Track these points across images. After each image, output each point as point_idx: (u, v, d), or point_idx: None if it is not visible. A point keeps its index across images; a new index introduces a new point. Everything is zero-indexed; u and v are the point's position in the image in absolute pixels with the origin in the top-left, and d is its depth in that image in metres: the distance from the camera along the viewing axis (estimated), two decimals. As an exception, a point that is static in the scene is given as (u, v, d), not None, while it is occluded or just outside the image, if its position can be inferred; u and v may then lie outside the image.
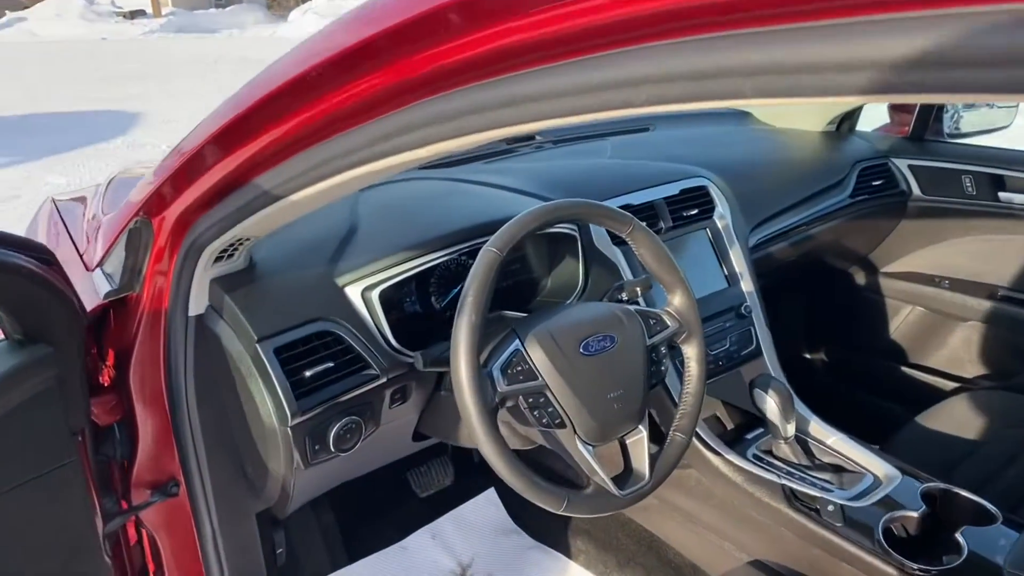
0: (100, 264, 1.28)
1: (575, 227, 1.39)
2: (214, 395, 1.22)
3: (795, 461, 1.41)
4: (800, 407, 1.51)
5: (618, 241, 1.44)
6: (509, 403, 1.02)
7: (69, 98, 8.89)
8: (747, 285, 1.60)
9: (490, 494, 1.95)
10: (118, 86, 9.76)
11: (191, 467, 1.23)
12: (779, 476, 1.35)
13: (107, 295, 1.18)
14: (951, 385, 2.03)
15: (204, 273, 1.11)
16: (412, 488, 1.84)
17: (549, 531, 1.81)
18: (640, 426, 1.11)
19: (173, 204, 1.05)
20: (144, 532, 1.31)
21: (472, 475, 1.93)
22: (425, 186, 1.48)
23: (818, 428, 1.49)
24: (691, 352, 1.18)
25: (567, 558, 1.76)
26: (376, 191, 1.42)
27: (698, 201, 1.60)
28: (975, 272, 1.98)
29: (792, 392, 1.43)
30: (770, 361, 1.60)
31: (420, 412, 1.31)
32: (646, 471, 1.10)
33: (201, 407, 1.20)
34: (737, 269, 1.60)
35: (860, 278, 2.20)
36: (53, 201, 1.85)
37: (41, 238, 1.66)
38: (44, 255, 0.99)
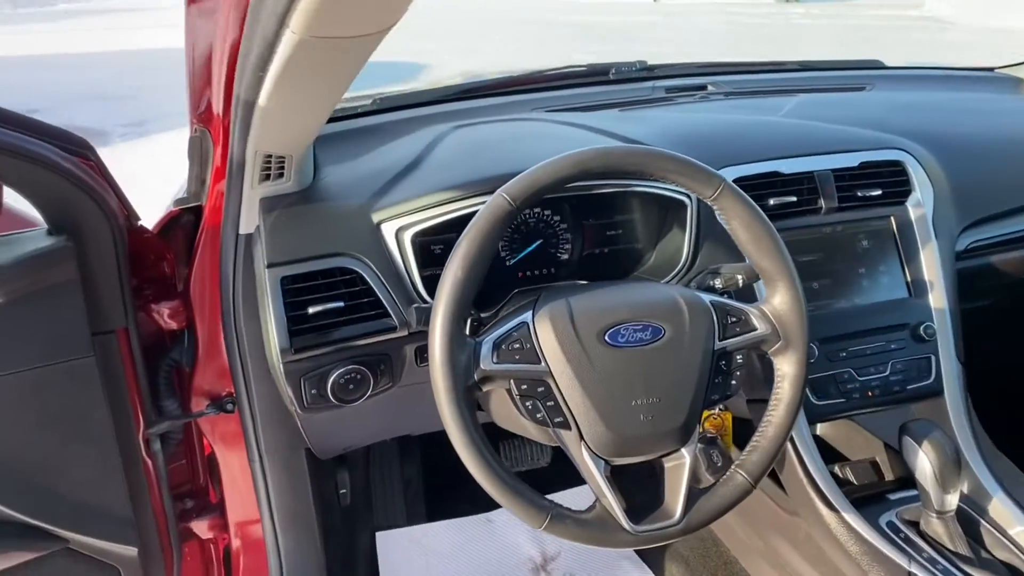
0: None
1: (684, 192, 1.12)
2: (259, 319, 1.18)
3: (947, 547, 1.03)
4: (981, 473, 1.10)
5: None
6: (494, 385, 0.83)
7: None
8: (938, 300, 1.19)
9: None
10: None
11: (240, 387, 1.20)
12: (909, 560, 0.98)
13: (175, 203, 1.19)
14: None
15: (252, 191, 1.05)
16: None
17: (648, 548, 1.56)
18: (684, 450, 0.85)
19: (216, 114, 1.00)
20: (206, 442, 1.34)
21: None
22: (518, 127, 1.29)
23: (1001, 508, 1.07)
24: (786, 368, 0.88)
25: (660, 581, 1.51)
26: (468, 130, 1.26)
27: (887, 179, 1.21)
28: None
29: (963, 451, 1.04)
30: (953, 406, 1.18)
31: None
32: (678, 509, 0.85)
33: (248, 328, 1.16)
34: (927, 276, 1.20)
35: None
36: None
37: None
38: (81, 148, 0.99)
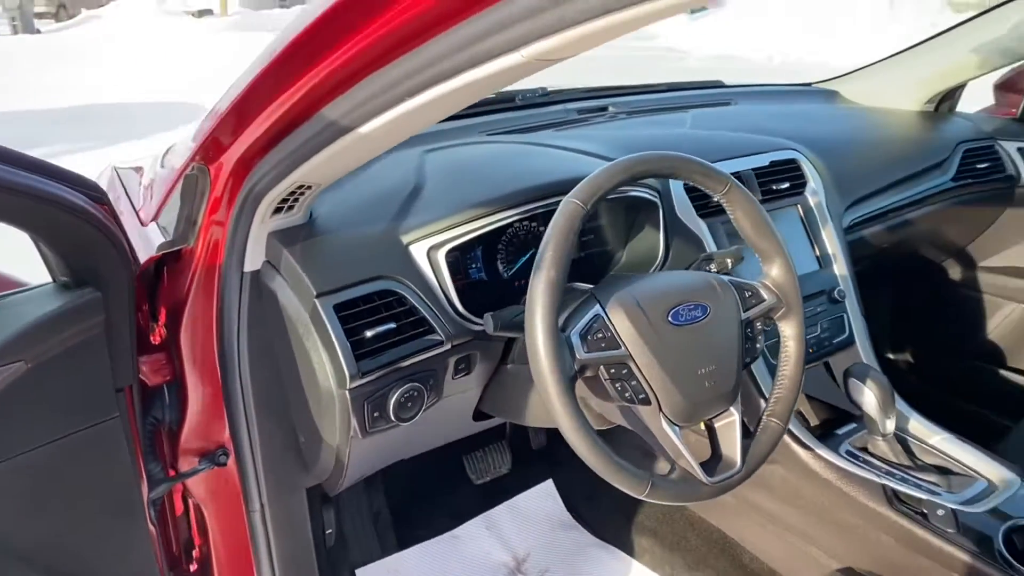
0: (155, 217, 1.22)
1: (656, 193, 1.28)
2: (268, 358, 1.15)
3: (895, 460, 1.27)
4: (899, 402, 1.37)
5: (703, 212, 1.32)
6: (588, 373, 0.92)
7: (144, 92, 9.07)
8: (840, 268, 1.46)
9: (547, 486, 1.84)
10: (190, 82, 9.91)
11: (241, 435, 1.16)
12: (879, 475, 1.21)
13: (160, 247, 1.12)
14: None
15: (262, 226, 1.04)
16: (467, 474, 1.75)
17: (611, 528, 1.69)
18: (732, 408, 0.99)
19: (231, 148, 0.98)
20: (191, 502, 1.25)
21: (530, 464, 1.83)
22: (495, 148, 1.39)
23: (919, 426, 1.34)
24: (789, 330, 1.06)
25: (631, 557, 1.64)
26: (444, 153, 1.33)
27: (789, 175, 1.47)
28: (1092, 267, 1.79)
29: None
30: (864, 351, 1.45)
31: (483, 388, 1.22)
32: (737, 458, 0.98)
33: (254, 370, 1.12)
34: (830, 250, 1.46)
35: (956, 272, 2.02)
36: (114, 169, 1.82)
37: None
38: (97, 193, 0.92)
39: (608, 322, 0.93)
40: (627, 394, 0.92)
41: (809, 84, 2.15)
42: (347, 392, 0.98)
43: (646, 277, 1.01)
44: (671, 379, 0.93)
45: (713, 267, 1.13)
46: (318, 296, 0.98)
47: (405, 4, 0.62)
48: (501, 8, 0.56)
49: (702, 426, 1.02)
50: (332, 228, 1.09)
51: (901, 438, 1.33)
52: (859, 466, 1.24)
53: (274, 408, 1.18)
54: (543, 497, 1.83)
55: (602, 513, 1.73)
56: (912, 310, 2.12)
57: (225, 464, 1.18)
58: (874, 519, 1.19)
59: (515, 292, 1.23)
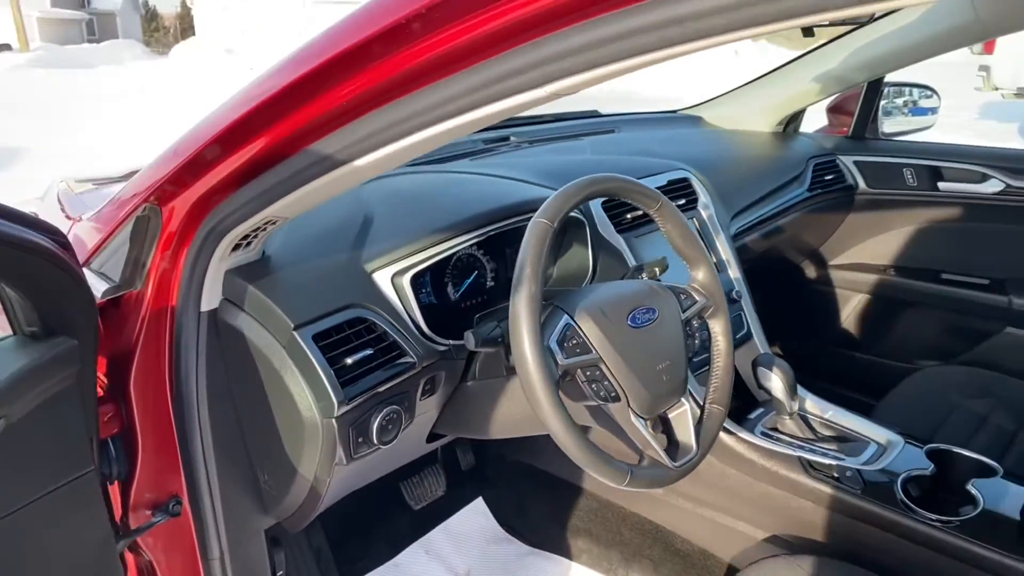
0: (87, 263, 1.17)
1: (582, 214, 1.39)
2: (225, 399, 1.13)
3: (801, 435, 1.45)
4: None
5: (619, 229, 1.45)
6: (567, 377, 1.00)
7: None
8: (734, 272, 1.65)
9: (478, 504, 1.89)
10: (-6, 121, 9.05)
11: (199, 481, 1.13)
12: (793, 449, 1.38)
13: (105, 293, 1.08)
14: (903, 367, 2.15)
15: (220, 264, 1.03)
16: (406, 500, 1.76)
17: (547, 535, 1.77)
18: (683, 399, 1.11)
19: (192, 187, 0.97)
20: (143, 559, 1.19)
21: (462, 485, 1.87)
22: (428, 178, 1.44)
23: (813, 404, 1.54)
24: (718, 327, 1.20)
25: (569, 560, 1.72)
26: (378, 183, 1.37)
27: (683, 192, 1.64)
28: (919, 259, 2.12)
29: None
30: (760, 343, 1.64)
31: (441, 408, 1.26)
32: (693, 443, 1.10)
33: (212, 413, 1.11)
34: (724, 256, 1.65)
35: (811, 271, 2.31)
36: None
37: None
38: (59, 237, 0.89)
39: (579, 329, 1.01)
40: (601, 393, 1.01)
41: (675, 111, 2.38)
42: (333, 420, 1.00)
43: (599, 287, 1.11)
44: (636, 376, 1.03)
45: (644, 275, 1.25)
46: (296, 328, 1.00)
47: (433, 41, 0.67)
48: (535, 48, 0.63)
49: (658, 419, 1.13)
50: (291, 261, 1.10)
51: (802, 415, 1.51)
52: (775, 443, 1.41)
53: (232, 450, 1.16)
54: (475, 515, 1.87)
55: (535, 523, 1.81)
56: (779, 307, 2.38)
57: (179, 514, 1.14)
58: (793, 487, 1.35)
59: (463, 313, 1.30)
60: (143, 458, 1.10)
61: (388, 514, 1.78)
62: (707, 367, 1.19)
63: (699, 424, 1.14)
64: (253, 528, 1.23)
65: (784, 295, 2.39)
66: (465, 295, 1.30)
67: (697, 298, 1.17)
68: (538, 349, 0.93)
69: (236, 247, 1.03)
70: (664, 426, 1.12)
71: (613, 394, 1.02)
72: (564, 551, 1.74)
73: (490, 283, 1.34)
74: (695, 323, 1.17)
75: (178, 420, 1.09)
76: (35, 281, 0.81)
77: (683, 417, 1.11)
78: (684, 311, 1.14)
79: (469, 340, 1.05)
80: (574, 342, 1.00)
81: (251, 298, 1.04)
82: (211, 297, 1.06)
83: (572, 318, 1.03)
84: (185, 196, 0.98)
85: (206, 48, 17.81)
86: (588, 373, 1.01)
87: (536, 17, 0.61)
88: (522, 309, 0.94)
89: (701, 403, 1.16)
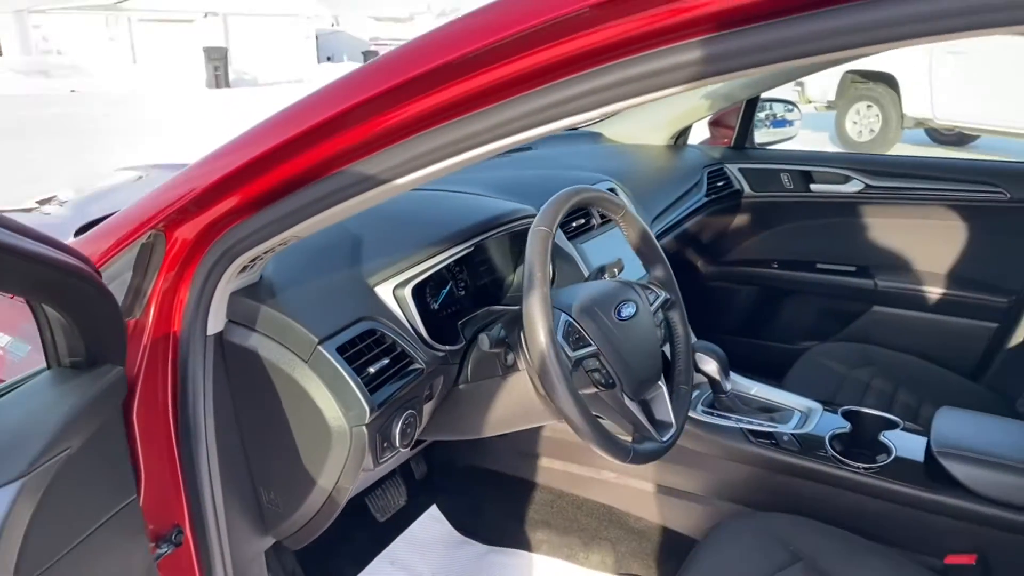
0: None
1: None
2: (230, 421, 1.14)
3: (736, 411, 1.64)
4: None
5: (572, 236, 1.59)
6: (575, 368, 1.11)
7: None
8: (663, 270, 1.83)
9: (433, 511, 1.95)
10: None
11: (205, 508, 1.12)
12: (734, 422, 1.56)
13: (106, 323, 1.06)
14: (792, 348, 2.43)
15: (226, 286, 1.05)
16: (372, 513, 1.79)
17: (505, 532, 1.86)
18: (660, 381, 1.25)
19: (204, 213, 0.99)
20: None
21: (417, 494, 1.92)
22: (398, 197, 1.50)
23: (739, 381, 1.74)
24: (676, 316, 1.35)
25: (529, 552, 1.82)
26: None
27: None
28: (798, 252, 2.42)
29: (723, 353, 1.66)
30: (691, 332, 1.83)
31: (431, 413, 1.33)
32: (672, 420, 1.24)
33: (219, 437, 1.11)
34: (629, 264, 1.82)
35: (707, 269, 2.56)
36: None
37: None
38: (91, 263, 0.88)
39: (578, 326, 1.13)
40: (601, 381, 1.13)
41: (576, 128, 2.56)
42: (364, 427, 1.04)
43: (580, 288, 1.23)
44: (629, 363, 1.15)
45: (607, 276, 1.39)
46: (321, 342, 1.04)
47: (506, 67, 0.76)
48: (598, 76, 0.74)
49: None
50: (293, 280, 1.13)
51: (734, 394, 1.71)
52: (717, 418, 1.59)
53: (234, 473, 1.17)
54: (432, 522, 1.93)
55: (492, 522, 1.89)
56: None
57: (181, 544, 1.13)
58: (737, 456, 1.53)
59: (444, 320, 1.37)
60: (146, 489, 1.08)
61: (349, 530, 1.80)
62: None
63: (673, 403, 1.28)
64: (255, 551, 1.23)
65: (685, 292, 2.62)
66: (443, 304, 1.38)
67: (659, 292, 1.32)
68: (554, 344, 1.03)
69: (243, 269, 1.05)
70: (644, 407, 1.25)
71: (610, 381, 1.14)
72: (524, 544, 1.83)
73: (460, 292, 1.43)
74: (659, 315, 1.32)
75: (184, 447, 1.09)
76: (83, 308, 0.82)
77: (661, 398, 1.25)
78: (652, 303, 1.29)
79: (484, 342, 1.13)
80: (575, 337, 1.12)
81: (264, 317, 1.06)
82: (216, 320, 1.07)
83: (571, 316, 1.14)
84: (195, 222, 1.00)
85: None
86: (591, 363, 1.12)
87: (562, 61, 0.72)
88: (536, 310, 1.04)
89: (672, 385, 1.31)
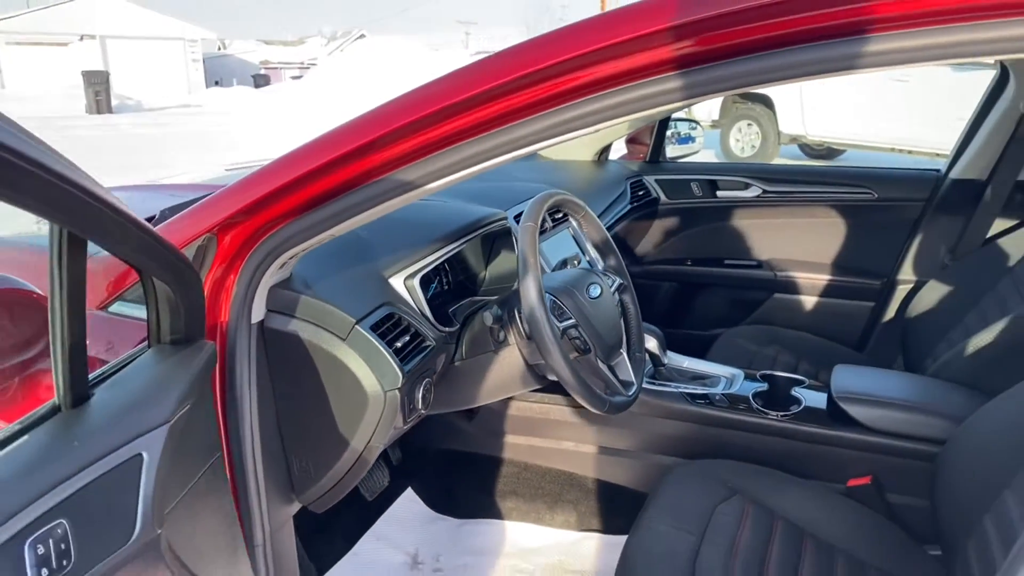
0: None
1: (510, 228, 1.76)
2: (268, 399, 1.31)
3: (673, 378, 1.94)
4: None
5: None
6: (562, 337, 1.36)
7: None
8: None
9: (409, 493, 2.14)
10: None
11: (247, 475, 1.29)
12: (675, 387, 1.86)
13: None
14: (707, 334, 2.78)
15: (268, 280, 1.24)
16: (362, 493, 1.96)
17: (477, 507, 2.07)
18: (622, 349, 1.53)
19: (253, 219, 1.18)
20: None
21: (395, 478, 2.10)
22: None
23: (673, 355, 2.04)
24: (628, 298, 1.64)
25: (500, 520, 2.05)
26: None
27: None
28: (708, 250, 2.78)
29: (660, 332, 1.97)
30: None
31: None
32: (633, 380, 1.51)
33: (261, 417, 1.28)
34: (595, 255, 2.11)
35: (632, 268, 2.88)
36: None
37: None
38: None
39: (559, 302, 1.39)
40: (580, 347, 1.39)
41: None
42: (397, 391, 1.25)
43: (559, 273, 1.49)
44: (601, 333, 1.42)
45: (569, 267, 1.66)
46: (358, 322, 1.24)
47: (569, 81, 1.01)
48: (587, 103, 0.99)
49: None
50: (322, 275, 1.33)
51: (670, 365, 2.01)
52: (660, 386, 1.88)
53: (270, 445, 1.34)
54: (409, 503, 2.12)
55: (465, 499, 2.10)
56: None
57: None
58: (679, 415, 1.83)
59: (436, 308, 1.59)
60: None
61: (337, 510, 1.96)
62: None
63: (633, 366, 1.56)
64: (284, 517, 1.40)
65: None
66: (433, 295, 1.60)
67: (613, 278, 1.60)
68: (548, 316, 1.29)
69: (282, 266, 1.24)
70: (611, 370, 1.52)
71: (586, 347, 1.40)
72: (495, 514, 2.06)
73: (445, 286, 1.66)
74: (617, 296, 1.60)
75: (230, 420, 1.25)
76: (193, 292, 1.00)
77: (623, 362, 1.52)
78: (611, 286, 1.57)
79: (487, 318, 1.37)
80: (559, 312, 1.37)
81: (305, 305, 1.26)
82: (258, 310, 1.25)
83: (553, 295, 1.39)
84: (243, 227, 1.19)
85: None
86: (572, 332, 1.38)
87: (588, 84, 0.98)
88: (532, 291, 1.28)
89: (630, 352, 1.59)
